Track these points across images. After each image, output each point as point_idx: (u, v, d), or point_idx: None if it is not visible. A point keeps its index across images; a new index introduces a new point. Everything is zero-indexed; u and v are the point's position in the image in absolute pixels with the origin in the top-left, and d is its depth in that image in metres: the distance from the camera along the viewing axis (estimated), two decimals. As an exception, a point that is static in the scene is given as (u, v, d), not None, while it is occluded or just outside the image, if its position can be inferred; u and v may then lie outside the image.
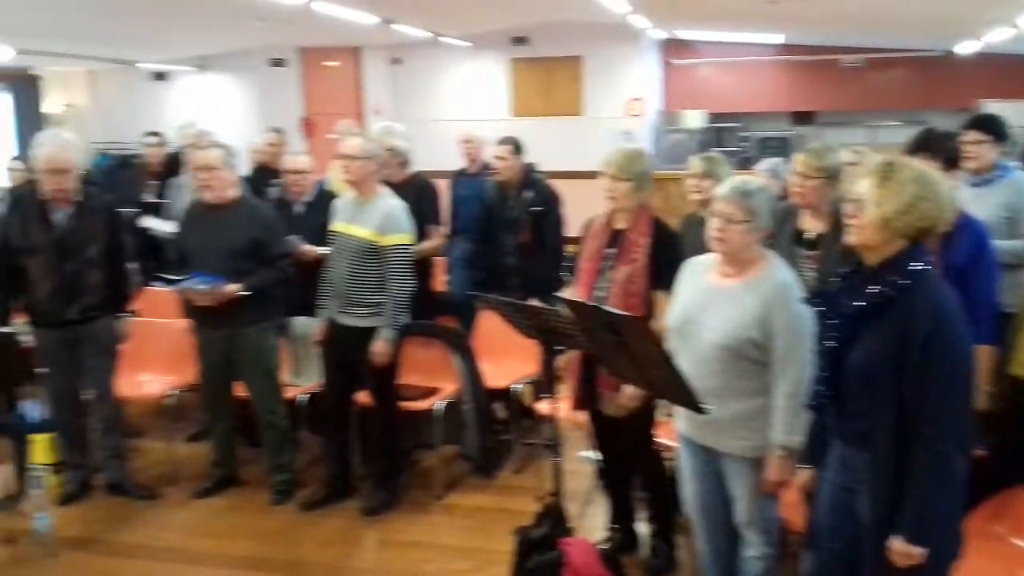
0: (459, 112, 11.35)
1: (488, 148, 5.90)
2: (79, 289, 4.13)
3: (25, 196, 4.36)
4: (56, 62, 11.22)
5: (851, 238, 2.28)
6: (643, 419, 3.40)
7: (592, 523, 3.88)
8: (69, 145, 4.16)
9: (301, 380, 4.67)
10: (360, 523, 4.15)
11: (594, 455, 4.08)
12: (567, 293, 4.12)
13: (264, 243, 4.19)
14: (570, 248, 5.46)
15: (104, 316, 4.22)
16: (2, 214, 5.09)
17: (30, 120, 11.19)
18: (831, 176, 3.41)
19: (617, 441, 3.60)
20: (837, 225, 3.09)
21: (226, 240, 4.16)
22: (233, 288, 4.09)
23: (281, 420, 4.38)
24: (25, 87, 11.50)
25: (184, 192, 5.64)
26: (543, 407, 4.24)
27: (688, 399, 2.54)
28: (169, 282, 4.36)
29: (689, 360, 2.72)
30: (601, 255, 3.41)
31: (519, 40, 11.43)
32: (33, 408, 4.55)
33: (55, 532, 3.95)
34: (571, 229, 5.22)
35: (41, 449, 4.34)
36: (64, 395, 4.31)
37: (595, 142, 10.94)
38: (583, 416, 3.65)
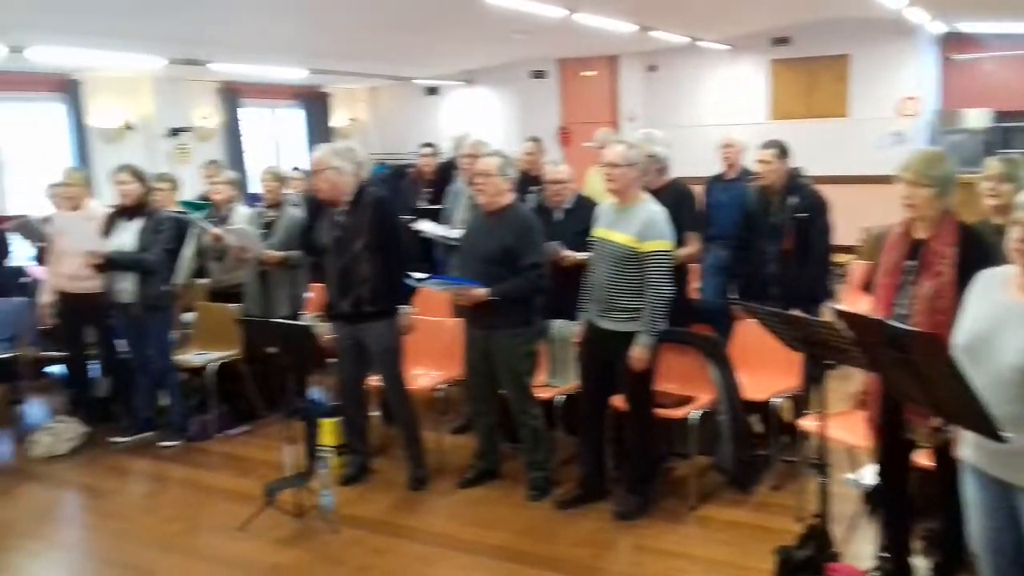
0: (714, 117, 11.19)
1: (747, 153, 5.75)
2: (350, 282, 4.46)
3: (316, 200, 4.81)
4: (343, 80, 12.37)
5: None
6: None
7: (857, 550, 3.67)
8: (332, 148, 4.55)
9: (558, 381, 4.78)
10: (613, 526, 4.19)
11: (864, 478, 3.85)
12: (842, 304, 3.91)
13: (516, 252, 4.28)
14: (838, 257, 5.20)
15: (383, 315, 4.50)
16: (300, 218, 5.70)
17: (320, 133, 12.35)
18: None
19: (906, 468, 3.35)
20: None
21: (485, 246, 4.35)
22: (478, 292, 4.25)
23: (533, 420, 4.50)
24: (315, 103, 12.72)
25: (460, 198, 5.98)
26: (806, 424, 4.06)
27: (985, 426, 2.33)
28: (415, 280, 4.65)
29: (980, 383, 2.47)
30: (901, 268, 3.15)
31: (780, 41, 11.07)
32: (319, 394, 5.05)
33: (337, 509, 4.34)
34: (837, 237, 4.97)
35: (328, 432, 4.82)
36: (349, 384, 4.71)
37: (861, 145, 10.36)
38: (870, 439, 3.41)
